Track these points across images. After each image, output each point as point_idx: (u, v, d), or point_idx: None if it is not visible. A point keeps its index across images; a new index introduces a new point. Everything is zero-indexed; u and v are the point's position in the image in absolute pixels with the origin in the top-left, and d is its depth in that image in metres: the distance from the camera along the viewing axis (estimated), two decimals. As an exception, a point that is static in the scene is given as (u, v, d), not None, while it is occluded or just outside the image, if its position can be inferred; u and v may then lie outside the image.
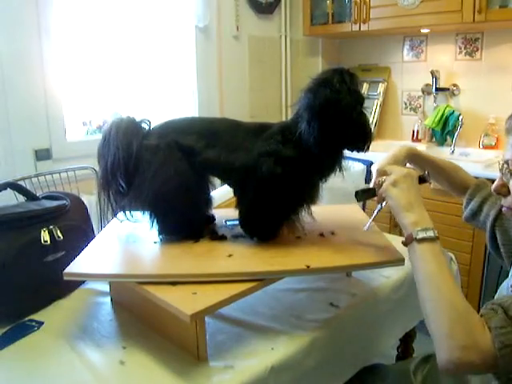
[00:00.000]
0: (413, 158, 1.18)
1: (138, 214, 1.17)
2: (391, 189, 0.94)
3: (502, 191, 0.90)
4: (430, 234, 0.86)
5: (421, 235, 0.86)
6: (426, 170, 1.06)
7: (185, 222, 1.12)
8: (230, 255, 1.03)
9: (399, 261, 1.02)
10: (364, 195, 1.04)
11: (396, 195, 0.93)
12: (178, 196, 1.07)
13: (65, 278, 0.95)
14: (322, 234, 1.15)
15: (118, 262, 1.06)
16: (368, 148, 1.07)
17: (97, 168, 1.23)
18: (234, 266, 0.98)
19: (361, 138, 1.05)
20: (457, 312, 0.76)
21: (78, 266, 0.99)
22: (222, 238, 1.13)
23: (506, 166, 0.87)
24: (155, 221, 1.13)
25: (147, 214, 1.13)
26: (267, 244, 1.09)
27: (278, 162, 1.03)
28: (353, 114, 1.02)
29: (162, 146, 1.08)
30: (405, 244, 0.90)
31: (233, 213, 1.16)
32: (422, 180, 1.00)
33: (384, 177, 0.97)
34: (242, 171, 1.07)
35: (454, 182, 1.22)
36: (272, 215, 1.09)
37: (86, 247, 1.09)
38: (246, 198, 1.10)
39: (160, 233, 1.14)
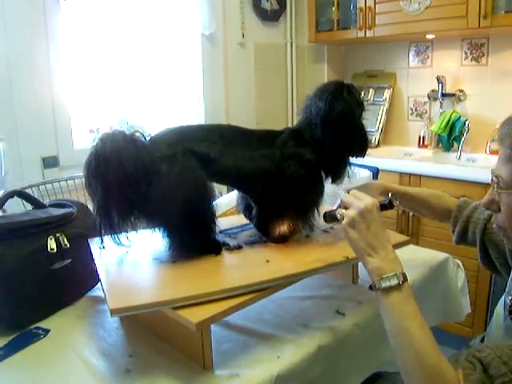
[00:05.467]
0: (386, 193, 1.17)
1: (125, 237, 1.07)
2: (349, 231, 0.85)
3: (492, 207, 0.85)
4: (394, 281, 0.78)
5: (384, 284, 0.79)
6: (390, 195, 1.05)
7: (207, 235, 1.08)
8: (267, 261, 1.03)
9: (407, 241, 1.18)
10: (331, 220, 1.00)
11: (354, 238, 0.85)
12: (202, 207, 1.04)
13: (113, 315, 0.85)
14: (325, 231, 1.20)
15: (160, 287, 0.95)
16: (365, 154, 1.18)
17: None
18: (280, 270, 0.98)
19: (363, 145, 1.17)
20: (427, 371, 0.71)
21: (120, 300, 0.86)
22: (239, 247, 1.11)
23: (496, 180, 0.82)
24: (175, 237, 1.05)
25: (164, 232, 1.05)
26: (290, 245, 1.13)
27: (302, 164, 1.10)
28: (360, 124, 1.15)
29: (178, 156, 1.01)
30: (371, 289, 0.83)
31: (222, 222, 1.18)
32: (383, 207, 0.95)
33: (343, 210, 0.89)
34: (265, 176, 1.09)
35: (436, 209, 1.20)
36: (293, 216, 1.13)
37: (104, 276, 0.98)
38: (269, 202, 1.12)
39: (179, 249, 1.06)
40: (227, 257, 1.07)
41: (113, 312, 0.83)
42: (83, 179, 1.98)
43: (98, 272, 1.01)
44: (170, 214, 1.01)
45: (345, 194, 0.92)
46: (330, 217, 0.97)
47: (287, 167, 1.09)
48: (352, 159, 1.18)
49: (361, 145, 1.16)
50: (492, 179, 0.84)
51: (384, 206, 0.96)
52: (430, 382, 0.70)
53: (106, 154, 0.97)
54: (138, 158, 0.99)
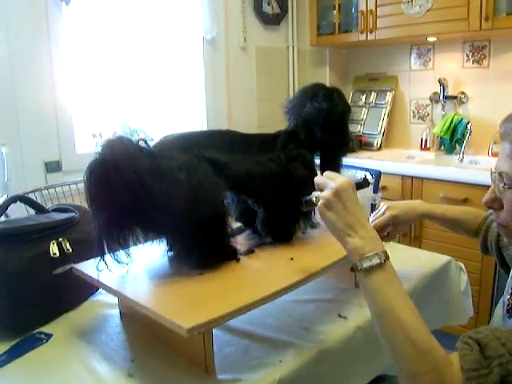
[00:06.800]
0: (425, 217, 1.20)
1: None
2: (325, 212, 0.81)
3: (494, 205, 0.83)
4: (376, 260, 0.75)
5: (365, 264, 0.75)
6: (365, 174, 1.03)
7: (227, 243, 1.07)
8: (291, 259, 1.06)
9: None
10: (308, 206, 0.95)
11: (331, 219, 0.80)
12: (223, 214, 1.02)
13: (187, 334, 0.78)
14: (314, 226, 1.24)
15: (216, 299, 0.89)
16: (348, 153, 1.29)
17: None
18: (309, 265, 1.01)
19: (350, 144, 1.29)
20: (418, 350, 0.68)
21: (189, 318, 0.81)
22: (251, 251, 1.12)
23: (499, 177, 0.80)
24: (199, 248, 1.00)
25: (185, 243, 1.00)
26: (300, 242, 1.17)
27: (305, 165, 1.14)
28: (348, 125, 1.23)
29: (195, 164, 0.98)
30: (352, 271, 0.79)
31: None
32: (359, 185, 0.92)
33: (318, 193, 0.84)
34: (274, 179, 1.12)
35: (472, 227, 1.18)
36: (297, 215, 1.15)
37: (144, 299, 0.91)
38: (278, 204, 1.14)
39: (203, 260, 1.01)
40: (249, 262, 1.07)
41: (189, 331, 0.78)
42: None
43: (125, 294, 0.93)
44: (194, 225, 0.96)
45: (318, 176, 0.88)
46: (307, 202, 0.92)
47: (294, 169, 1.13)
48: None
49: (350, 144, 1.29)
50: (494, 177, 0.82)
51: (359, 185, 0.93)
52: (421, 361, 0.68)
53: (116, 161, 0.89)
54: (151, 165, 0.93)
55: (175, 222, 0.94)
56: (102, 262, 0.96)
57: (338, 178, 0.83)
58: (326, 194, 0.81)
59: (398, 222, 1.14)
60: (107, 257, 0.96)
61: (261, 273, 1.02)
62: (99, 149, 0.93)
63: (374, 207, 2.13)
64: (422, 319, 0.72)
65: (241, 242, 1.18)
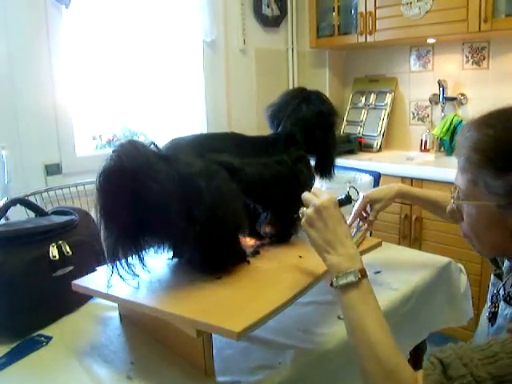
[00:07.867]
0: (403, 196, 1.26)
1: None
2: (307, 229, 0.85)
3: (455, 216, 0.85)
4: (351, 278, 0.77)
5: (341, 282, 0.78)
6: (348, 188, 1.08)
7: (240, 246, 1.07)
8: (300, 256, 1.08)
9: (378, 244, 1.20)
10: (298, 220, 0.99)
11: (312, 236, 0.84)
12: (241, 218, 1.01)
13: (237, 338, 0.77)
14: None
15: (252, 300, 0.89)
16: None
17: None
18: (319, 261, 0.99)
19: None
20: (384, 368, 0.70)
21: (234, 323, 0.79)
22: (257, 252, 1.13)
23: (455, 190, 0.82)
24: (217, 253, 0.98)
25: (202, 248, 0.96)
26: (299, 242, 1.19)
27: (308, 166, 1.19)
28: None
29: (214, 168, 0.97)
30: (331, 286, 0.81)
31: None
32: (342, 202, 0.95)
33: (304, 209, 0.87)
34: (282, 181, 1.13)
35: None
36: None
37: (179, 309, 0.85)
38: (284, 205, 1.14)
39: (218, 264, 0.99)
40: (259, 263, 1.07)
41: (239, 335, 0.77)
42: (86, 186, 1.99)
43: (156, 307, 0.88)
44: (214, 231, 0.94)
45: (305, 192, 0.90)
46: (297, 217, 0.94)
47: (300, 171, 1.15)
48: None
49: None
50: (452, 190, 0.84)
51: (342, 202, 0.97)
52: (386, 379, 0.69)
53: (135, 168, 0.84)
54: (169, 172, 0.89)
55: (195, 228, 0.91)
56: (113, 276, 0.91)
57: (321, 195, 0.86)
58: (309, 211, 0.85)
59: (373, 200, 1.23)
60: (121, 269, 0.91)
61: (278, 272, 1.02)
62: (111, 154, 0.85)
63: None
64: (393, 338, 0.73)
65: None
